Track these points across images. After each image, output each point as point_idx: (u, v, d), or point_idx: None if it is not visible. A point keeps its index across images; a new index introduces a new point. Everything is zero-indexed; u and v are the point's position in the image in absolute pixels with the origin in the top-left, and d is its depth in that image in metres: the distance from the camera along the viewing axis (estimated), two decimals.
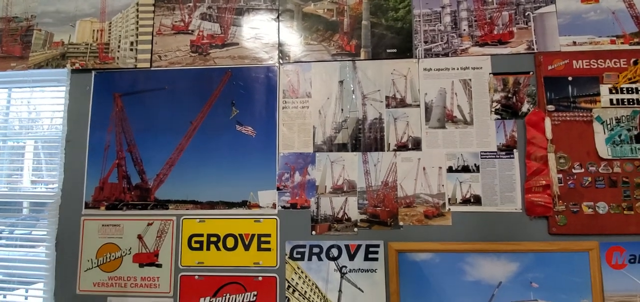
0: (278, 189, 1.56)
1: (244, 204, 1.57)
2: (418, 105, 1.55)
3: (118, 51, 1.71)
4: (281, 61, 1.64)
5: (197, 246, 1.57)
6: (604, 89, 1.49)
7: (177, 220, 1.59)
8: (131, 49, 1.71)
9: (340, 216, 1.53)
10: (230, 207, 1.57)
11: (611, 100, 1.49)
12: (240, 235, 1.55)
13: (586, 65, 1.51)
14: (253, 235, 1.55)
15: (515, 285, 1.43)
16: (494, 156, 1.50)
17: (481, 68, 1.55)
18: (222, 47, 1.67)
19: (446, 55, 1.57)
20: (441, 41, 1.58)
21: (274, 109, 1.61)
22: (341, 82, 1.60)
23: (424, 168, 1.52)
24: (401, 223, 1.50)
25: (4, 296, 1.74)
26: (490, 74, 1.55)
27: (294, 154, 1.58)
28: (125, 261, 1.59)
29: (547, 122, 1.47)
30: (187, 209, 1.59)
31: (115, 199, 1.63)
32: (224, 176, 1.59)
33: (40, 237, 1.75)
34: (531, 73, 1.53)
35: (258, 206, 1.56)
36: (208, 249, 1.56)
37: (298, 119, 1.60)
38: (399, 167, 1.53)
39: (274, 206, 1.56)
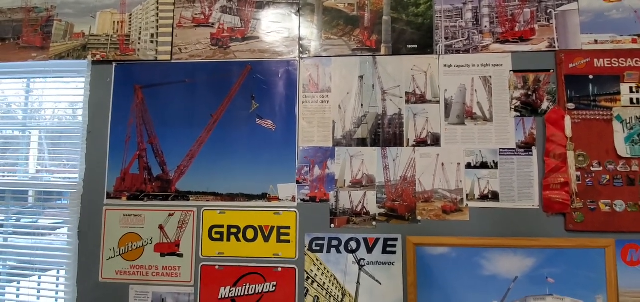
0: (297, 182, 1.58)
1: (263, 196, 1.59)
2: (438, 102, 1.56)
3: (139, 43, 1.73)
4: (301, 55, 1.64)
5: (218, 237, 1.60)
6: (624, 88, 1.49)
7: (197, 211, 1.62)
8: (152, 41, 1.72)
9: (358, 209, 1.55)
10: (250, 200, 1.60)
11: (632, 99, 1.49)
12: (260, 227, 1.58)
13: (607, 64, 1.51)
14: (273, 227, 1.57)
15: (531, 280, 1.45)
16: (512, 153, 1.51)
17: (501, 65, 1.55)
18: (243, 41, 1.68)
19: (467, 51, 1.57)
20: (462, 37, 1.58)
21: (294, 103, 1.62)
22: (361, 77, 1.61)
23: (442, 164, 1.53)
24: (419, 218, 1.52)
25: (18, 283, 1.79)
26: (510, 71, 1.55)
27: (314, 148, 1.59)
28: (147, 251, 1.62)
29: (567, 121, 1.48)
30: (207, 201, 1.62)
31: (136, 190, 1.66)
32: (243, 169, 1.61)
33: (61, 226, 1.78)
34: (552, 71, 1.53)
35: (278, 199, 1.58)
36: (228, 240, 1.59)
37: (318, 114, 1.61)
38: (417, 162, 1.54)
39: (294, 198, 1.58)
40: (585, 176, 1.47)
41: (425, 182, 1.53)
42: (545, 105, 1.52)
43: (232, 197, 1.61)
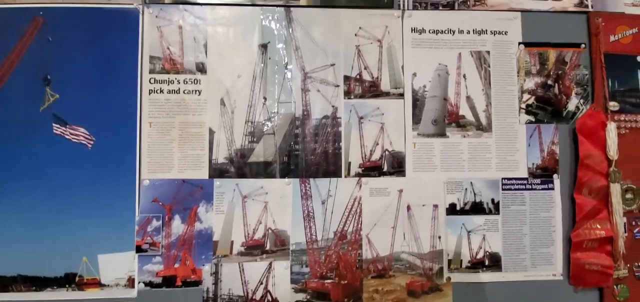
0: (138, 249, 0.82)
1: (68, 280, 0.81)
2: (401, 95, 0.88)
3: None
4: (147, 1, 0.86)
5: None
6: None
7: None
8: None
9: (259, 297, 0.83)
10: (39, 289, 0.80)
11: None
12: None
13: None
14: None
15: None
16: (523, 186, 0.89)
17: (506, 33, 0.91)
18: None
19: (450, 6, 0.90)
20: None
21: (133, 94, 0.84)
22: (264, 46, 0.87)
23: (408, 207, 0.87)
24: None
25: None
26: (520, 44, 0.91)
27: (172, 183, 0.83)
28: None
29: (611, 131, 0.88)
30: None
31: None
32: (27, 226, 0.81)
33: None
34: (583, 46, 0.92)
35: (98, 284, 0.81)
36: None
37: (180, 115, 0.85)
38: (365, 205, 0.86)
39: (131, 282, 0.82)
40: (633, 223, 0.90)
41: (378, 242, 0.86)
42: (573, 103, 0.92)
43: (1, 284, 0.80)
